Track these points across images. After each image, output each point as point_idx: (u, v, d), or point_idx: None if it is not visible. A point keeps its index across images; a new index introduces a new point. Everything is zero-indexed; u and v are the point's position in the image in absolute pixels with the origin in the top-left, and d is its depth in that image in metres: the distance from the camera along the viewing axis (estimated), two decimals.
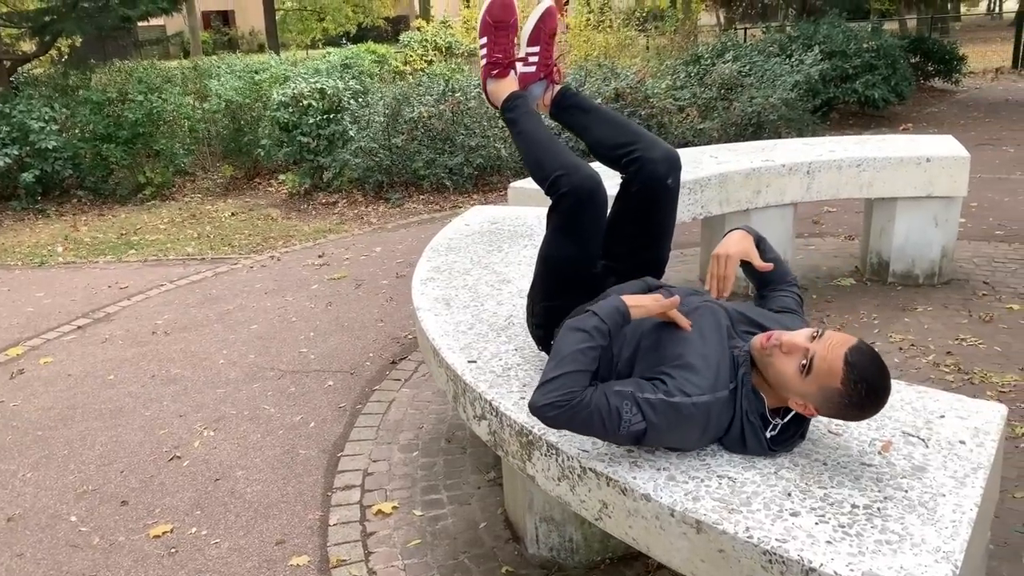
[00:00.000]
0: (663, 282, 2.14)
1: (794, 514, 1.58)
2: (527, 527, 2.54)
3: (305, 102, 7.93)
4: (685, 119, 8.69)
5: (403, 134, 7.84)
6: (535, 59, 2.27)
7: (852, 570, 1.42)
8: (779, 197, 4.47)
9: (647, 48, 14.70)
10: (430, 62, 12.26)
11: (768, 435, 1.74)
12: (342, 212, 7.55)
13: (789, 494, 1.64)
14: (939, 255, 4.59)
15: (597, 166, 2.28)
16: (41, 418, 3.71)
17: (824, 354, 1.61)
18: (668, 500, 1.66)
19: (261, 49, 23.95)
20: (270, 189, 8.80)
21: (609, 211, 2.13)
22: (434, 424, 3.46)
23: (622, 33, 13.66)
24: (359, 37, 25.03)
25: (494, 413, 2.13)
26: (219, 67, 10.99)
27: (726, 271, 1.99)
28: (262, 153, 8.42)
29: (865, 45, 10.72)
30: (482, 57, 2.29)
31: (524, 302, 2.58)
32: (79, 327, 4.85)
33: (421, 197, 7.84)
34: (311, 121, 7.90)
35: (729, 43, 10.78)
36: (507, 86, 2.26)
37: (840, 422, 1.89)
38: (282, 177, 8.42)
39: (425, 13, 24.78)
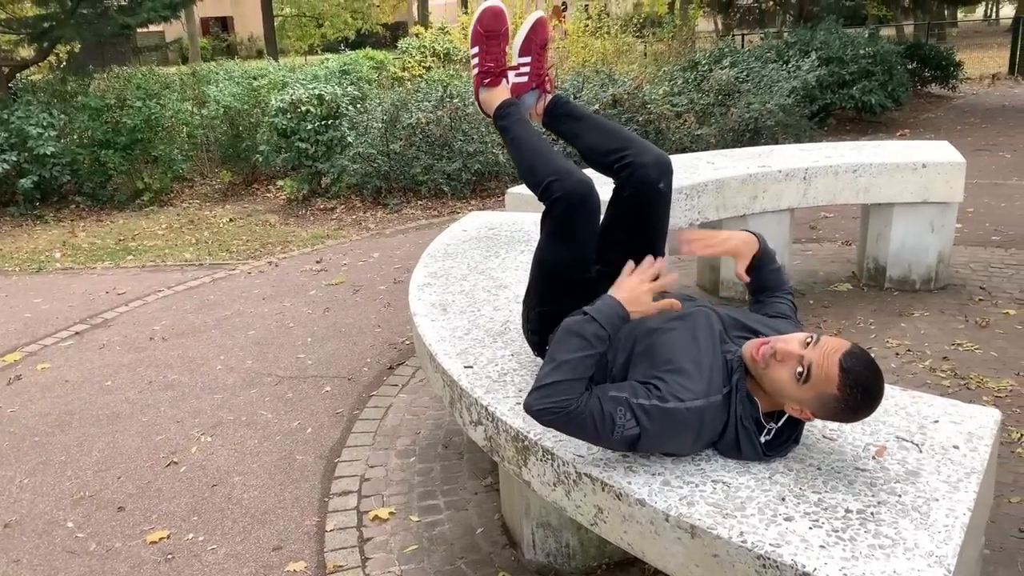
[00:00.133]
0: None
1: (788, 519, 1.58)
2: (524, 533, 2.54)
3: (303, 108, 7.95)
4: (683, 125, 8.72)
5: (401, 140, 7.86)
6: (527, 69, 2.30)
7: (845, 574, 1.42)
8: (776, 203, 4.48)
9: (645, 54, 14.74)
10: (428, 68, 12.28)
11: (762, 440, 1.75)
12: (340, 218, 7.56)
13: (783, 499, 1.64)
14: (935, 260, 4.61)
15: (590, 173, 2.29)
16: (38, 424, 3.71)
17: (821, 361, 1.61)
18: (663, 505, 1.66)
19: (260, 55, 24.00)
20: (268, 195, 8.81)
21: (602, 217, 2.15)
22: (431, 430, 3.47)
23: (620, 39, 13.70)
24: (357, 43, 25.07)
25: (490, 418, 2.13)
26: (217, 73, 11.01)
27: (711, 244, 2.05)
28: (260, 159, 8.44)
29: (862, 51, 10.76)
30: (474, 67, 2.32)
31: (520, 307, 2.59)
32: (77, 333, 4.86)
33: (419, 203, 7.85)
34: (309, 127, 7.91)
35: (727, 49, 10.81)
36: (499, 94, 2.29)
37: (835, 426, 1.90)
38: (280, 183, 8.43)
39: (423, 20, 24.85)
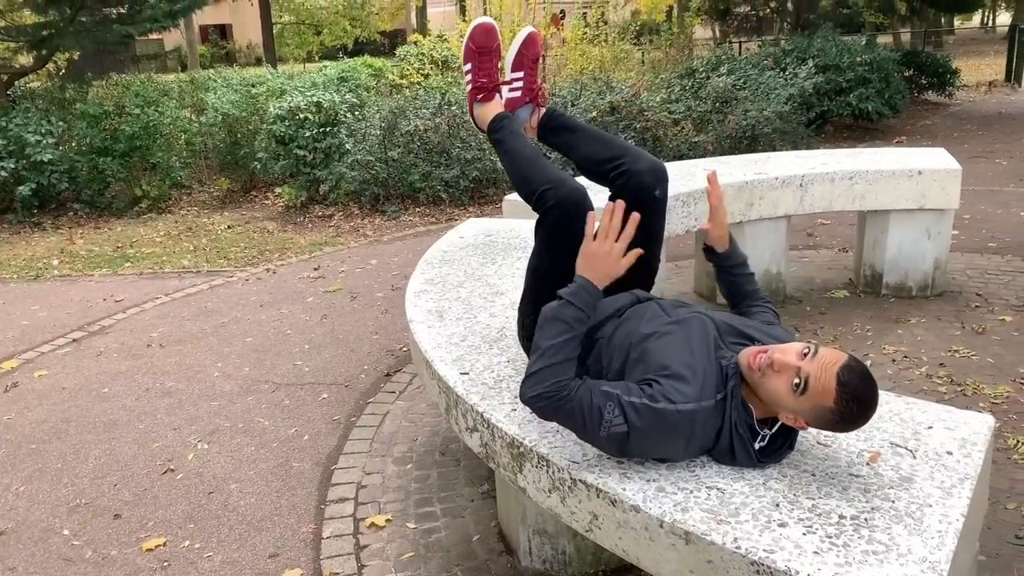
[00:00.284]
0: (652, 294, 2.16)
1: (782, 524, 1.58)
2: (520, 540, 2.54)
3: (302, 115, 7.97)
4: (680, 132, 8.74)
5: (399, 147, 7.88)
6: (519, 84, 2.33)
7: None
8: (772, 210, 4.49)
9: (642, 62, 14.78)
10: (426, 76, 12.31)
11: (757, 446, 1.75)
12: (338, 225, 7.57)
13: (777, 505, 1.65)
14: (932, 267, 4.62)
15: (583, 182, 2.31)
16: (35, 431, 3.71)
17: (818, 374, 1.62)
18: (657, 511, 1.67)
19: (258, 63, 24.07)
20: (266, 202, 8.82)
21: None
22: (428, 437, 3.47)
23: (617, 47, 13.74)
24: (356, 51, 25.14)
25: (485, 425, 2.14)
26: (216, 81, 11.03)
27: (717, 203, 2.13)
28: (258, 166, 8.45)
29: (859, 59, 10.80)
30: (467, 83, 2.34)
31: (516, 314, 2.59)
32: (74, 340, 4.85)
33: (417, 210, 7.86)
34: (307, 134, 7.93)
35: (724, 57, 10.85)
36: (492, 109, 2.32)
37: (829, 432, 1.90)
38: (278, 190, 8.44)
39: (422, 27, 24.93)
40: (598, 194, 2.11)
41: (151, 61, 13.87)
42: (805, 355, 1.65)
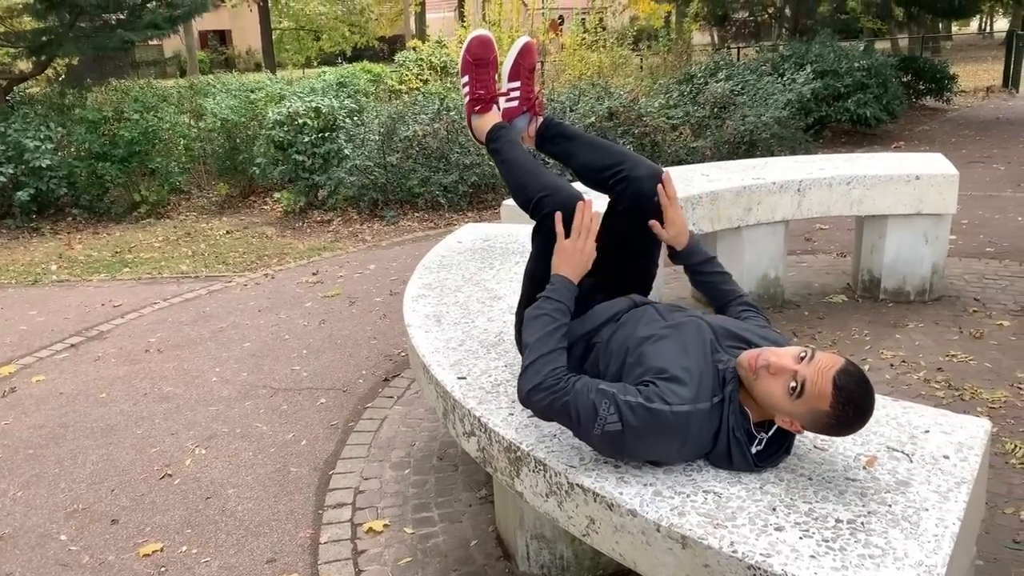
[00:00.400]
0: (649, 299, 2.17)
1: (779, 528, 1.58)
2: (518, 545, 2.54)
3: (300, 121, 7.98)
4: (678, 137, 8.76)
5: (398, 152, 7.89)
6: (516, 94, 2.34)
7: None
8: (770, 215, 4.50)
9: (640, 67, 14.80)
10: (425, 81, 12.32)
11: (754, 450, 1.75)
12: (337, 230, 7.58)
13: (774, 509, 1.65)
14: (930, 272, 4.62)
15: (580, 188, 2.31)
16: (32, 436, 3.70)
17: (815, 378, 1.62)
18: (654, 515, 1.67)
19: (257, 68, 24.12)
20: (265, 207, 8.83)
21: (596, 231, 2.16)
22: (426, 442, 3.46)
23: (616, 52, 13.77)
24: (355, 56, 25.21)
25: (483, 429, 2.14)
26: (215, 86, 11.05)
27: (670, 205, 2.12)
28: (257, 171, 8.46)
29: (856, 64, 10.83)
30: (465, 95, 2.36)
31: (514, 319, 2.60)
32: (72, 345, 4.85)
33: (416, 215, 7.87)
34: (306, 139, 7.94)
35: (722, 62, 10.88)
36: (490, 120, 2.33)
37: (825, 437, 1.90)
38: (277, 195, 8.45)
39: (421, 33, 24.98)
40: (596, 200, 2.11)
41: (150, 67, 13.91)
42: (802, 359, 1.66)
